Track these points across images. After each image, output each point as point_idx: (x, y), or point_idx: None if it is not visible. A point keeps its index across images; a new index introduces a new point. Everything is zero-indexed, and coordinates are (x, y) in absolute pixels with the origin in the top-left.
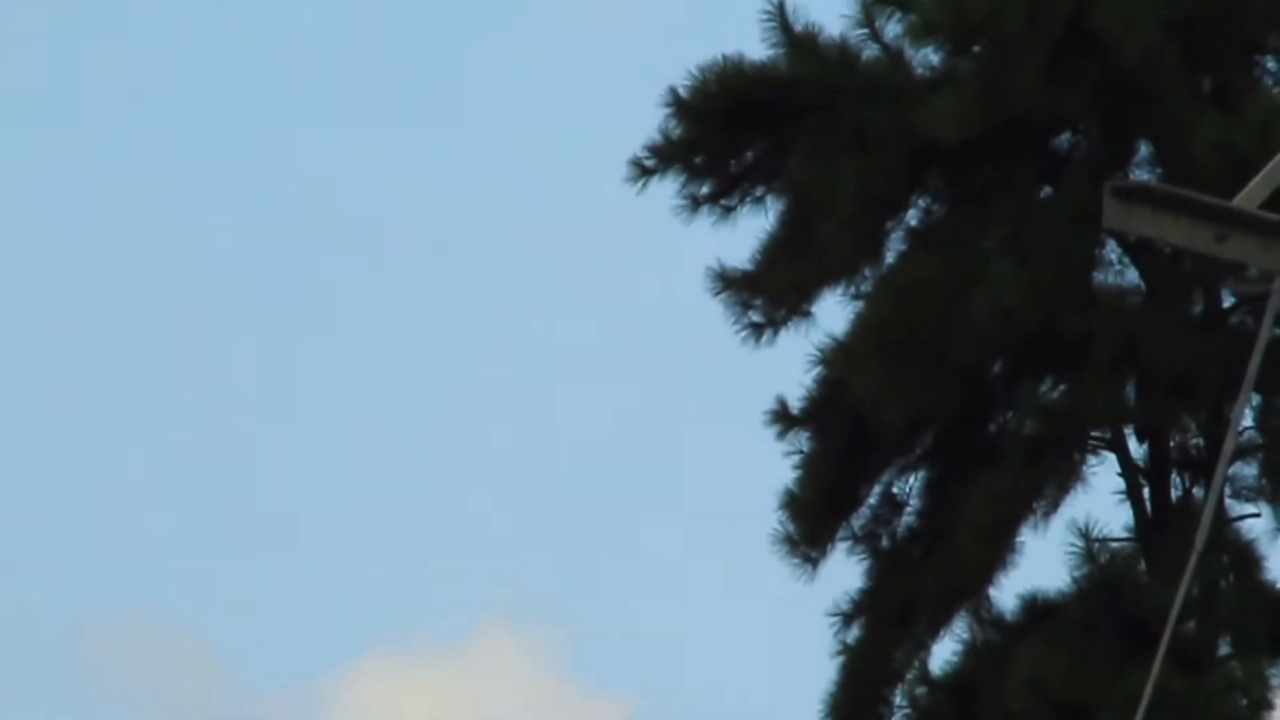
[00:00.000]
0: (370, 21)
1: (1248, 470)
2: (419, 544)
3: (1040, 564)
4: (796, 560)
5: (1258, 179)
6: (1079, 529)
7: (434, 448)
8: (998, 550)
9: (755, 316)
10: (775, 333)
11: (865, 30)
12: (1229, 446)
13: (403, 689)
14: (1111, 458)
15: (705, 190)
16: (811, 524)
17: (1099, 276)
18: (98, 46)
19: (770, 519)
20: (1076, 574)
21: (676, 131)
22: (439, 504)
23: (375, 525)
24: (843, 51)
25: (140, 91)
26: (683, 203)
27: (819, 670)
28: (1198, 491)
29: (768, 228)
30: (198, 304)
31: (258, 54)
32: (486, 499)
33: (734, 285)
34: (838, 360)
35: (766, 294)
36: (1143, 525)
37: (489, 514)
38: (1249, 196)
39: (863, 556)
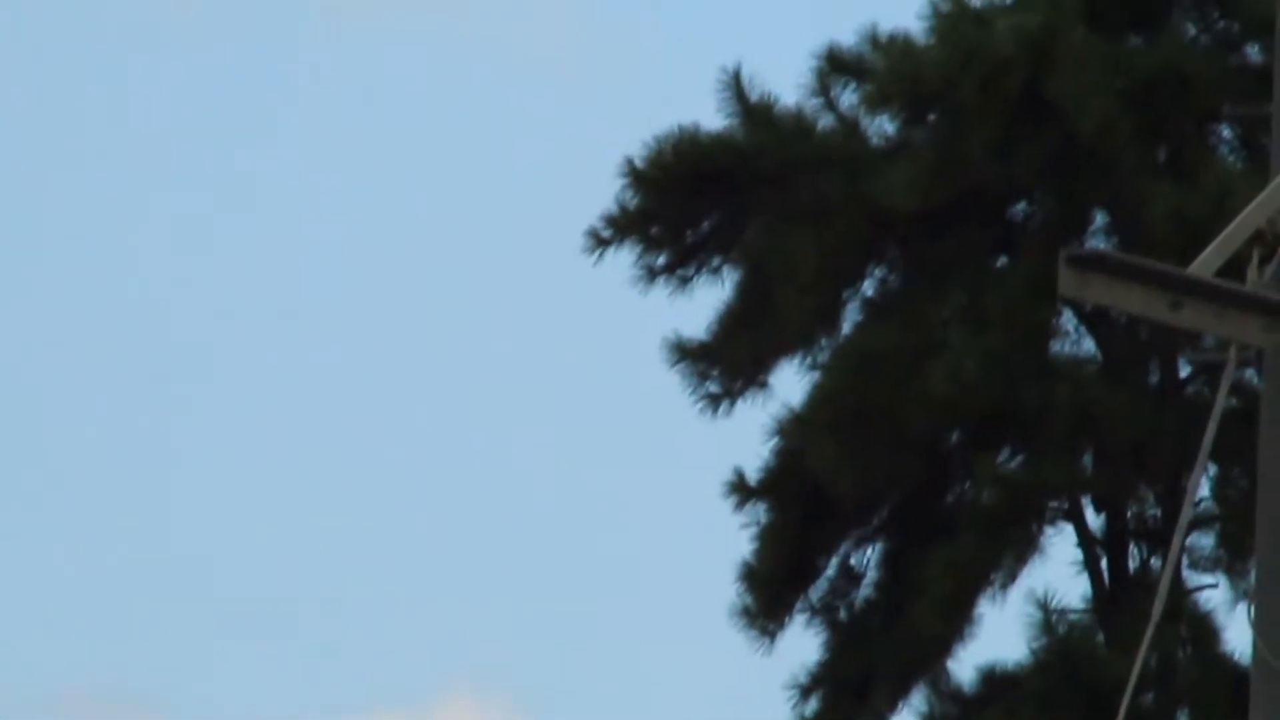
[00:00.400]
0: (323, 74)
1: (1205, 541)
2: (381, 616)
3: (998, 635)
4: (754, 633)
5: (1213, 246)
6: (1037, 600)
7: (393, 520)
8: (956, 622)
9: (712, 387)
10: (732, 404)
11: (820, 100)
12: (1185, 516)
13: None
14: (1069, 528)
15: (661, 261)
16: (769, 596)
17: (1056, 346)
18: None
19: (728, 591)
20: (1034, 645)
21: (633, 202)
22: (401, 576)
23: (337, 597)
24: (798, 121)
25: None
26: (639, 273)
27: None
28: (1155, 562)
29: (724, 298)
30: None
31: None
32: (449, 572)
33: (691, 356)
34: (795, 431)
35: (723, 365)
36: (1100, 596)
37: (452, 587)
38: (1204, 264)
39: (820, 629)
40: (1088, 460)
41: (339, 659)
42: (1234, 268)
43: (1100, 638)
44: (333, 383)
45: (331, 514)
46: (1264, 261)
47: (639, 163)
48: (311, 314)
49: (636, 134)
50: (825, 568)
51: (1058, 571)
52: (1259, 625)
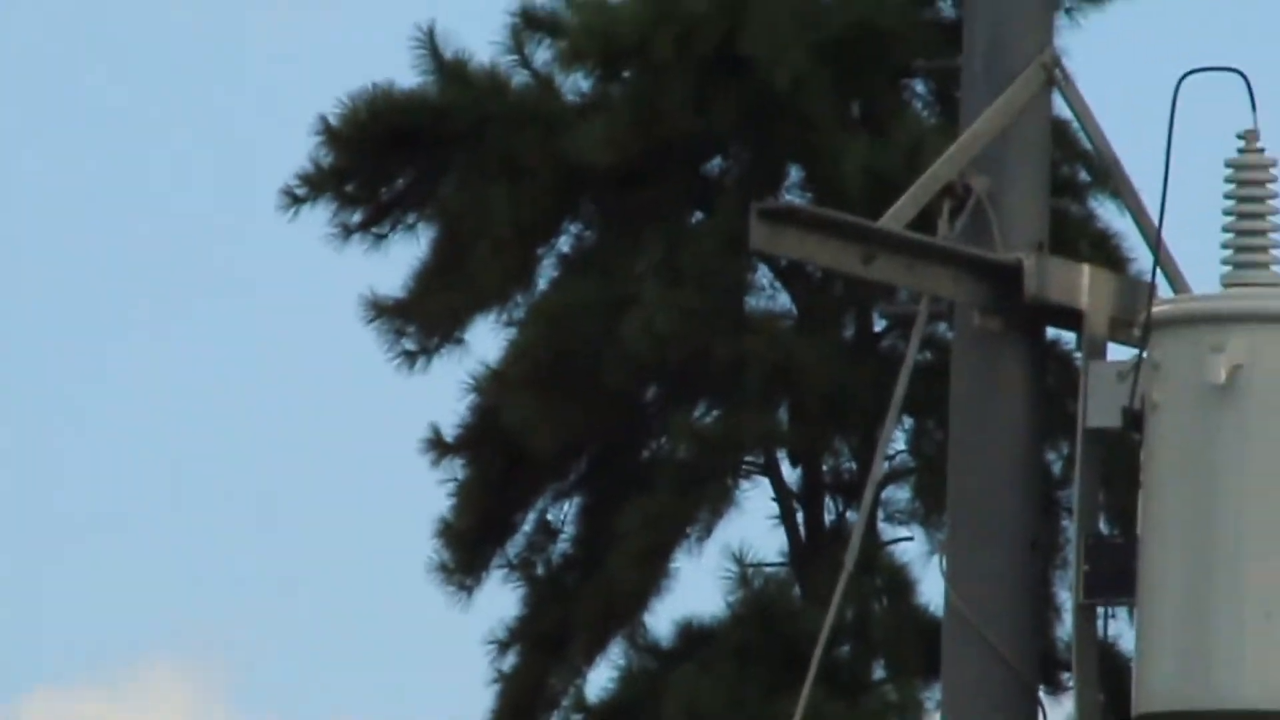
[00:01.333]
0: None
1: (901, 494)
2: (81, 576)
3: (695, 590)
4: (453, 588)
5: (903, 199)
6: (733, 554)
7: (90, 477)
8: (651, 576)
9: (408, 344)
10: (429, 360)
11: (515, 57)
12: (877, 468)
13: None
14: (765, 482)
15: (356, 218)
16: (466, 552)
17: (751, 301)
18: None
19: (427, 548)
20: (731, 599)
21: (327, 159)
22: (101, 534)
23: (35, 557)
24: (493, 78)
25: None
26: (334, 231)
27: (477, 698)
28: (851, 515)
29: (420, 255)
30: None
31: None
32: (144, 536)
33: (387, 313)
34: (491, 387)
35: (420, 321)
36: (797, 550)
37: (148, 551)
38: (895, 216)
39: (518, 584)
40: (783, 414)
41: (37, 619)
42: (926, 221)
43: (796, 591)
44: (35, 337)
45: (15, 465)
46: (954, 214)
47: (333, 120)
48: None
49: (332, 91)
50: (523, 523)
51: (754, 525)
52: (951, 576)
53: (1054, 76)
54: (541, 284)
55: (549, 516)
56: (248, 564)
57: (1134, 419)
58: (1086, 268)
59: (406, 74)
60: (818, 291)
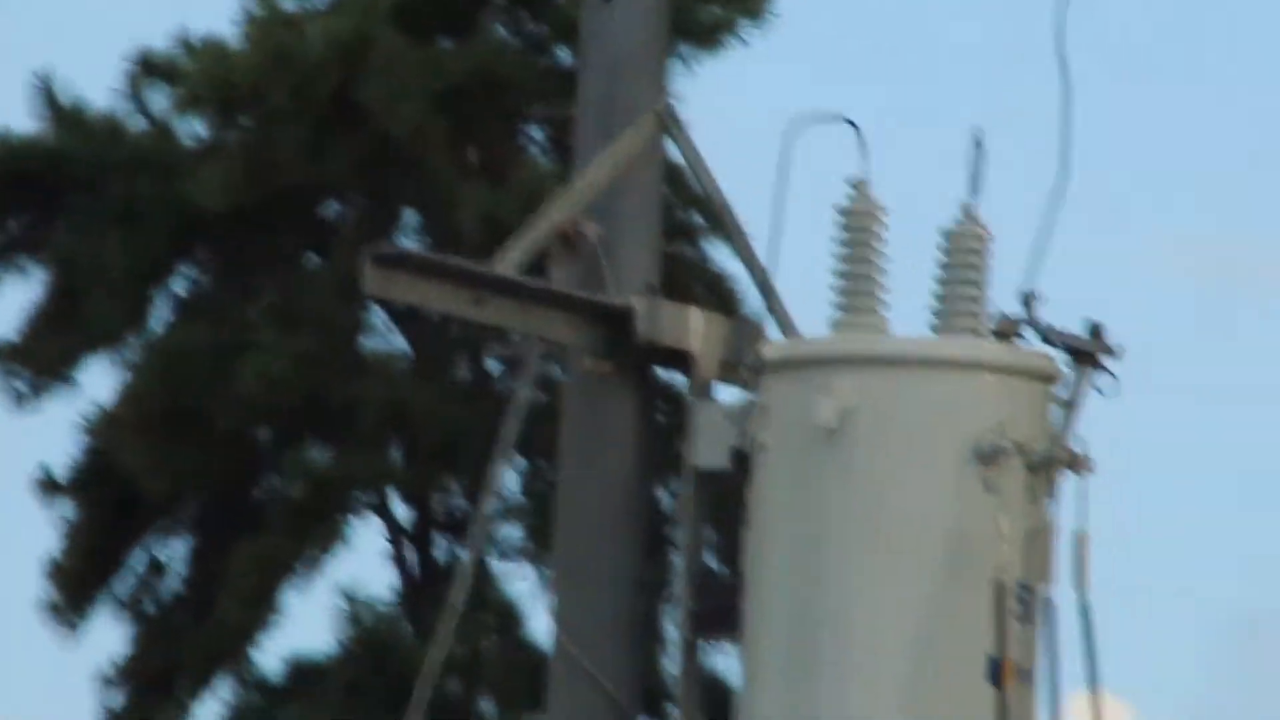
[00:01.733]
0: None
1: (515, 532)
2: None
3: (307, 628)
4: (62, 628)
5: (516, 244)
6: (344, 592)
7: None
8: (259, 613)
9: (21, 386)
10: (42, 402)
11: (133, 103)
12: (484, 507)
13: None
14: (378, 520)
15: None
16: (75, 591)
17: (366, 344)
18: None
19: (37, 587)
20: (342, 636)
21: None
22: None
23: None
24: (110, 124)
25: None
26: None
27: None
28: (463, 553)
29: (34, 299)
30: None
31: None
32: None
33: (1, 356)
34: (104, 429)
35: (33, 364)
36: (409, 587)
37: None
38: (507, 261)
39: (128, 623)
40: (397, 454)
41: None
42: (540, 265)
43: (408, 628)
44: None
45: None
46: (568, 259)
47: None
48: None
49: None
50: (133, 563)
51: (367, 563)
52: (558, 613)
53: (666, 124)
54: (157, 328)
55: (160, 556)
56: None
57: (742, 459)
58: (697, 311)
59: (23, 120)
60: (433, 334)
